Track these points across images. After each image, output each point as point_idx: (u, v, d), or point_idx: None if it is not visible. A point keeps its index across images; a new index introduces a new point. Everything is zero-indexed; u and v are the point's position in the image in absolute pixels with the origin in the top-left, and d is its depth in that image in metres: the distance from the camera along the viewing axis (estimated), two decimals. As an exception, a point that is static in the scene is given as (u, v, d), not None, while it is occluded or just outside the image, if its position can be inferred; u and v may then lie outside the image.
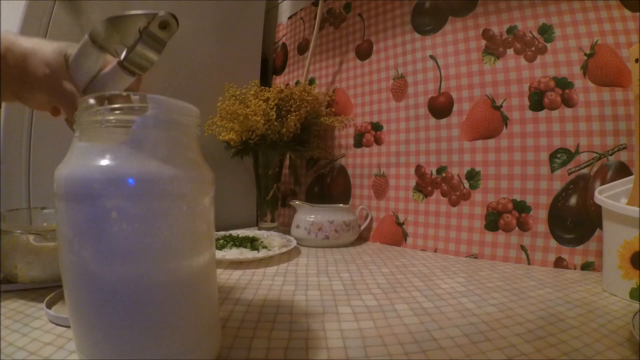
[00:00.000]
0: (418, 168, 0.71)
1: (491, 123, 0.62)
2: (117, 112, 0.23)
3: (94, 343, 0.22)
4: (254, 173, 0.84)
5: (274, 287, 0.45)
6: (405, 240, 0.72)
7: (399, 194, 0.74)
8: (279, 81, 1.03)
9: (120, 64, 0.31)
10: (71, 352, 0.27)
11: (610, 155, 0.53)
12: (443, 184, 0.67)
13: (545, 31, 0.58)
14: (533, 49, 0.59)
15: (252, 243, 0.61)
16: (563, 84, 0.56)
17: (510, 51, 0.61)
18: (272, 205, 0.83)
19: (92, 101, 0.23)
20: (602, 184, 0.52)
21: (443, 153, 0.68)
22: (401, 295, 0.42)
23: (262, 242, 0.63)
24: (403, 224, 0.73)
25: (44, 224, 0.49)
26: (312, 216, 0.70)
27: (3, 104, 0.55)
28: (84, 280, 0.22)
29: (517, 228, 0.59)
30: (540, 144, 0.58)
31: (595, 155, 0.54)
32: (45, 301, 0.35)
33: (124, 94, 0.24)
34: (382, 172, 0.77)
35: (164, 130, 0.24)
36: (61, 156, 0.24)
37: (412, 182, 0.72)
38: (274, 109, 0.73)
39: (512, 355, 0.29)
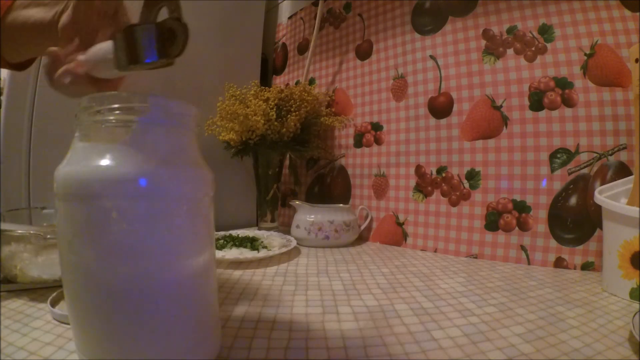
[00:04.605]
0: (418, 168, 0.71)
1: (491, 123, 0.62)
2: (117, 112, 0.23)
3: (93, 343, 0.22)
4: (254, 173, 0.84)
5: (274, 287, 0.45)
6: (405, 240, 0.72)
7: (399, 194, 0.74)
8: (279, 81, 1.03)
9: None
10: (71, 352, 0.27)
11: (610, 155, 0.53)
12: (443, 184, 0.67)
13: (545, 31, 0.58)
14: (533, 49, 0.59)
15: (252, 243, 0.61)
16: (563, 84, 0.56)
17: (510, 51, 0.61)
18: (272, 205, 0.83)
19: (92, 101, 0.23)
20: (602, 184, 0.52)
21: (443, 153, 0.68)
22: (401, 295, 0.42)
23: (262, 242, 0.63)
24: (403, 224, 0.73)
25: (44, 224, 0.49)
26: (312, 216, 0.70)
27: (3, 105, 0.55)
28: (84, 280, 0.22)
29: (517, 228, 0.59)
30: (540, 144, 0.58)
31: (595, 155, 0.54)
32: (49, 300, 0.35)
33: (124, 94, 0.24)
34: (382, 172, 0.77)
35: (163, 130, 0.24)
36: (61, 156, 0.24)
37: (412, 182, 0.72)
38: (274, 109, 0.73)
39: (512, 355, 0.29)
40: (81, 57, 0.26)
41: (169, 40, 0.25)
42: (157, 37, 0.25)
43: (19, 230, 0.39)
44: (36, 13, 0.29)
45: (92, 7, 0.27)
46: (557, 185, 0.56)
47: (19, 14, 0.30)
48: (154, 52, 0.25)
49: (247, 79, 0.83)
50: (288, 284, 0.46)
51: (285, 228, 0.81)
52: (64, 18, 0.27)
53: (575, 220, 0.54)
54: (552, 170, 0.57)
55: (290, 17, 1.01)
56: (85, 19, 0.27)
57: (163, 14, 0.26)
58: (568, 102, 0.56)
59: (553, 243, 0.56)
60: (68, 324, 0.32)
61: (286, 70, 1.01)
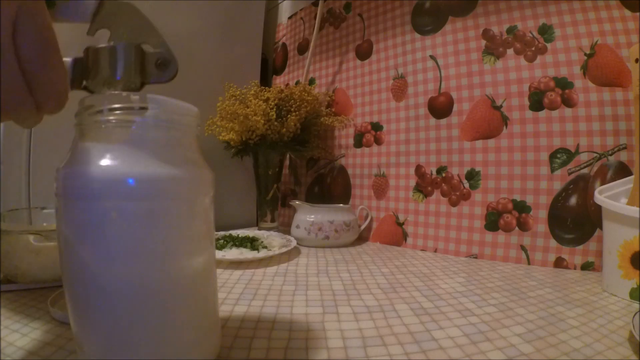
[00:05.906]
0: (418, 168, 0.71)
1: (491, 123, 0.62)
2: (117, 112, 0.23)
3: (93, 343, 0.22)
4: (254, 173, 0.84)
5: (274, 287, 0.45)
6: (405, 240, 0.72)
7: (399, 194, 0.74)
8: (279, 81, 1.03)
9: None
10: (71, 352, 0.27)
11: (610, 155, 0.53)
12: (443, 184, 0.67)
13: (545, 31, 0.58)
14: (533, 49, 0.59)
15: (252, 243, 0.61)
16: (563, 84, 0.56)
17: (510, 51, 0.61)
18: (272, 205, 0.82)
19: (92, 101, 0.23)
20: (602, 184, 0.52)
21: (443, 153, 0.68)
22: (401, 295, 0.42)
23: (262, 242, 0.63)
24: (403, 224, 0.73)
25: (44, 224, 0.49)
26: (312, 216, 0.70)
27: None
28: (84, 280, 0.22)
29: (517, 228, 0.59)
30: (540, 144, 0.58)
31: (595, 155, 0.54)
32: (49, 300, 0.35)
33: (124, 94, 0.24)
34: (382, 172, 0.77)
35: (163, 130, 0.24)
36: (61, 156, 0.24)
37: (412, 182, 0.72)
38: (274, 109, 0.73)
39: (512, 355, 0.29)
40: None
41: (159, 65, 0.27)
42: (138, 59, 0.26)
43: (19, 230, 0.39)
44: None
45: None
46: (557, 185, 0.56)
47: None
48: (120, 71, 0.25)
49: (247, 79, 0.83)
50: (288, 284, 0.46)
51: (285, 228, 0.81)
52: None
53: (575, 220, 0.54)
54: (552, 170, 0.57)
55: (290, 17, 1.01)
56: None
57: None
58: (568, 102, 0.56)
59: (553, 243, 0.56)
60: (68, 324, 0.32)
61: (286, 70, 1.01)
